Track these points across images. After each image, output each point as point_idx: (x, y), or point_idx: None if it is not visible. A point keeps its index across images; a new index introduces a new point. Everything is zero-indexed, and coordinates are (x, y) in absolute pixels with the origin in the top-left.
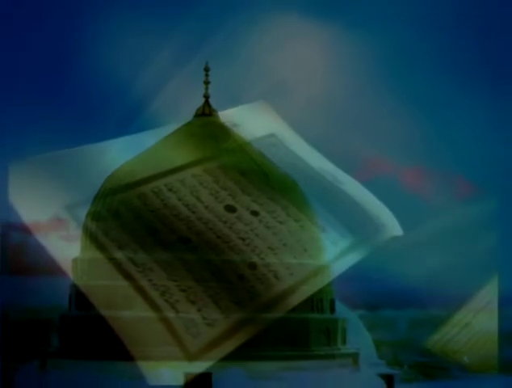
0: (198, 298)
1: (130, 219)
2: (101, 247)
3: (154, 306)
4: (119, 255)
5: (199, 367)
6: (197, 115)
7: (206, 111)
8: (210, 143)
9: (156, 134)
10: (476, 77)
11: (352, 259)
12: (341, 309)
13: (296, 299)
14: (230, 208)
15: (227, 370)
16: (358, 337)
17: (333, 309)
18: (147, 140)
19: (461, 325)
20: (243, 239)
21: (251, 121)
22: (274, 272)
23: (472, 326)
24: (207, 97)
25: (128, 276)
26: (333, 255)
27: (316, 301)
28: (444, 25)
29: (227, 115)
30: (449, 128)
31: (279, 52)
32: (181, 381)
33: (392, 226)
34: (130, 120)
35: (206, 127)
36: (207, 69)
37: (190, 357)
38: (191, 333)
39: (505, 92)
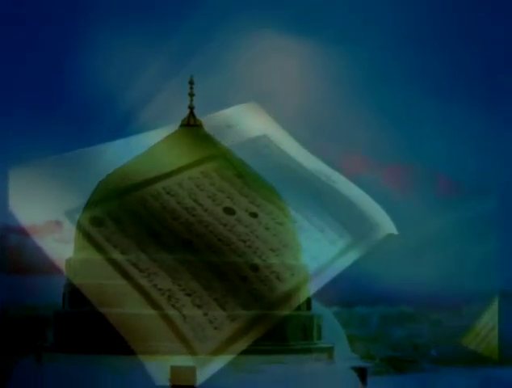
0: (203, 302)
1: (131, 224)
2: (104, 253)
3: (162, 313)
4: (122, 260)
5: (184, 361)
6: (183, 125)
7: (191, 122)
8: (194, 151)
9: (148, 137)
10: (447, 86)
11: (350, 258)
12: (316, 306)
13: (299, 299)
14: (229, 211)
15: (211, 364)
16: (333, 333)
17: (309, 307)
18: (140, 143)
19: (430, 321)
20: (244, 241)
21: (244, 122)
22: (276, 273)
23: (440, 322)
24: (191, 108)
25: (135, 284)
26: (332, 254)
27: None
28: (414, 40)
29: (220, 117)
30: (422, 132)
31: (260, 65)
32: (167, 374)
33: (387, 225)
34: (121, 129)
35: (191, 136)
36: (191, 82)
37: (200, 362)
38: (199, 338)
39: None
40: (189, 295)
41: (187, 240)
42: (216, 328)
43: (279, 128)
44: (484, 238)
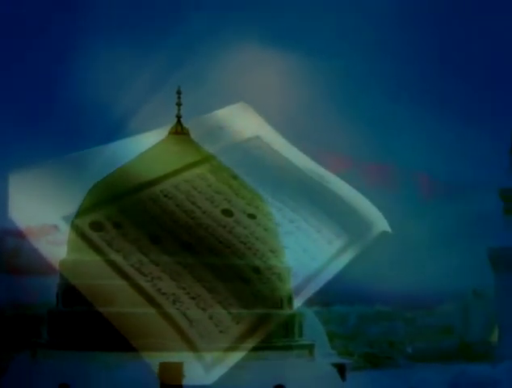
0: (208, 305)
1: (132, 228)
2: (103, 256)
3: (168, 316)
4: (123, 263)
5: (171, 357)
6: (171, 133)
7: (178, 130)
8: (182, 158)
9: (139, 142)
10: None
11: (346, 257)
12: (298, 305)
13: (302, 299)
14: (227, 213)
15: (198, 360)
16: (314, 330)
17: (291, 306)
18: (131, 147)
19: (405, 320)
20: (244, 243)
21: (236, 123)
22: (277, 274)
23: (414, 320)
24: (179, 117)
25: (139, 289)
26: (330, 254)
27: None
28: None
29: (213, 119)
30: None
31: (244, 76)
32: (155, 369)
33: (382, 223)
34: (112, 136)
35: (178, 144)
36: (179, 92)
37: (207, 366)
38: (206, 341)
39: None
40: (194, 299)
41: (189, 244)
42: (221, 331)
43: (270, 128)
44: (458, 240)
